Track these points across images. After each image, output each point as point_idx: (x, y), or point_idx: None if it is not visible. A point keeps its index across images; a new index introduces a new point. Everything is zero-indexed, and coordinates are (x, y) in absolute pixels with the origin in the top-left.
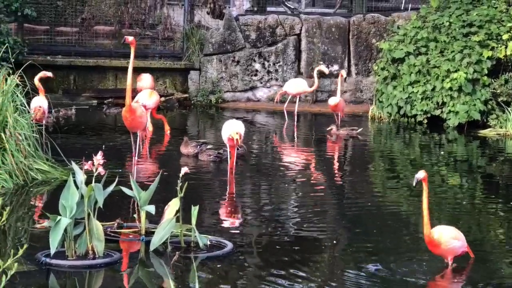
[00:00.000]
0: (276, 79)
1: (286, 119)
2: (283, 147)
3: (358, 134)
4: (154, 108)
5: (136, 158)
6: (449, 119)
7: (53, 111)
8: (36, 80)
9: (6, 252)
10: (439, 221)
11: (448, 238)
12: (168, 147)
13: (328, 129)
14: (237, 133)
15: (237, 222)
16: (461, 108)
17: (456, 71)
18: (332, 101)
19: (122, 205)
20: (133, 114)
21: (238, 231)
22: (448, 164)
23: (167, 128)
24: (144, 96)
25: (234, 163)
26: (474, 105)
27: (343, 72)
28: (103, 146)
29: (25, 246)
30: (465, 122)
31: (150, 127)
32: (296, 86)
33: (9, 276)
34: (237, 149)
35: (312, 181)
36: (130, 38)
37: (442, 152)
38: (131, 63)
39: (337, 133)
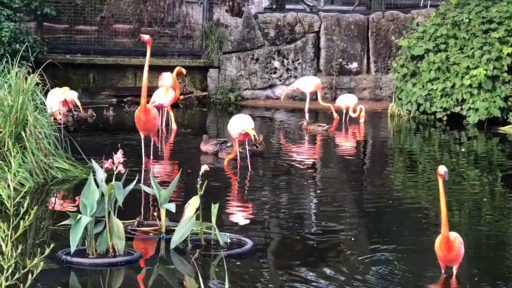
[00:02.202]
0: (295, 77)
1: (307, 118)
2: (301, 144)
3: (324, 130)
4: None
5: (150, 161)
6: (469, 116)
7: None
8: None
9: (27, 250)
10: (460, 219)
11: (459, 244)
12: (187, 145)
13: (299, 123)
14: (253, 129)
15: (257, 220)
16: (481, 105)
17: (475, 68)
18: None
19: (142, 203)
20: (147, 114)
21: (258, 229)
22: (468, 161)
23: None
24: (159, 95)
25: (237, 156)
26: (494, 102)
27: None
28: (119, 144)
29: (51, 246)
30: (485, 119)
31: (174, 126)
32: (309, 84)
33: (35, 275)
34: (256, 146)
35: (331, 178)
36: (146, 37)
37: (463, 149)
38: (147, 62)
39: (306, 128)
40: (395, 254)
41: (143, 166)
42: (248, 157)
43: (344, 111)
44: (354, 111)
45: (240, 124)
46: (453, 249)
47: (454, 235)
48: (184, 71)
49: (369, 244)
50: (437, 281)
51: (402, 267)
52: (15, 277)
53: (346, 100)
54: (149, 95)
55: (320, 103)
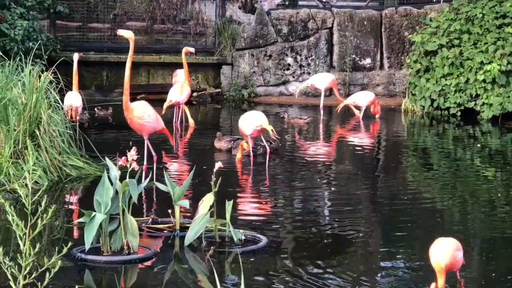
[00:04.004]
0: (309, 73)
1: (322, 115)
2: (315, 141)
3: (306, 123)
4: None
5: (146, 163)
6: (483, 111)
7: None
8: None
9: (42, 248)
10: (474, 215)
11: (453, 251)
12: (201, 142)
13: (281, 116)
14: (269, 124)
15: (271, 217)
16: (495, 100)
17: (489, 63)
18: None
19: (156, 200)
20: (130, 113)
21: (272, 226)
22: (483, 156)
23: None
24: (175, 93)
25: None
26: (508, 97)
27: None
28: (130, 142)
29: (69, 244)
30: (499, 114)
31: (191, 122)
32: (323, 80)
33: (52, 274)
34: (270, 143)
35: (345, 175)
36: (128, 34)
37: (478, 145)
38: (130, 58)
39: (288, 121)
40: (408, 253)
41: (153, 165)
42: (268, 152)
43: (362, 108)
44: (374, 109)
45: (255, 120)
46: (448, 262)
47: (442, 247)
48: (192, 49)
49: (384, 242)
50: (450, 280)
51: (416, 266)
52: (33, 276)
53: (365, 98)
54: (141, 93)
55: (338, 99)
